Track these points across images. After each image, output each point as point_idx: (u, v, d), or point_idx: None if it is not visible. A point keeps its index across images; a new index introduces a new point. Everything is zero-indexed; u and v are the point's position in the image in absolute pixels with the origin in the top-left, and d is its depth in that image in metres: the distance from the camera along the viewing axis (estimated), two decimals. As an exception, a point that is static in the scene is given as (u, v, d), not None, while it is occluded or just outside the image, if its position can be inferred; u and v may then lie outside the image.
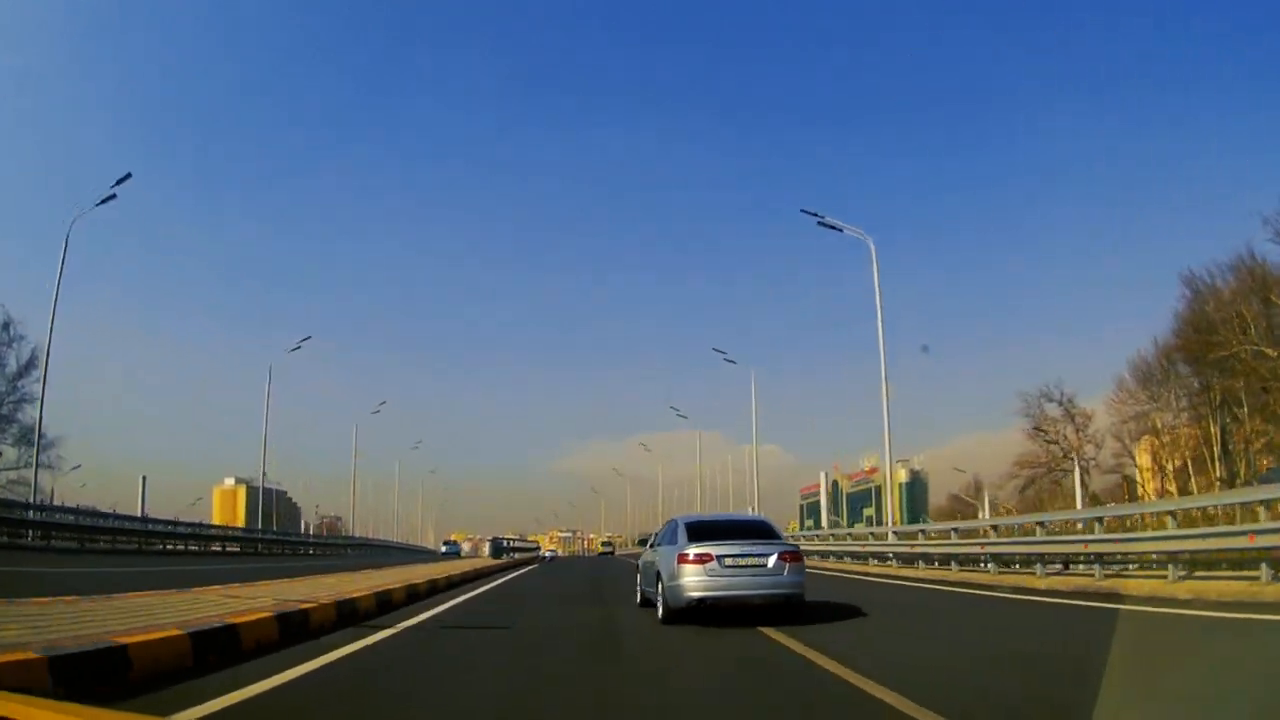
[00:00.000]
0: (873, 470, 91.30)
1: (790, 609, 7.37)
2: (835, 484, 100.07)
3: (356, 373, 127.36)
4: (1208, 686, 4.08)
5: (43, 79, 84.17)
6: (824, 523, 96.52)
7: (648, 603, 8.66)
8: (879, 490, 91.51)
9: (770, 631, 6.53)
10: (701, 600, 7.17)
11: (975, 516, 36.48)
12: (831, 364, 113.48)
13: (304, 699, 4.07)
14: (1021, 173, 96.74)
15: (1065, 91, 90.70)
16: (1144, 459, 37.68)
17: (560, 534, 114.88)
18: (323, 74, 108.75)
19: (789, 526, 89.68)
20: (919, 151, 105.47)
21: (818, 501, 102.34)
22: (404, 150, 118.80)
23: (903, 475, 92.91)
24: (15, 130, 76.44)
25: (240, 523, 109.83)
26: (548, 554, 48.49)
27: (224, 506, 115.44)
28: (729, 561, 7.23)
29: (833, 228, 22.88)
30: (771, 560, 7.27)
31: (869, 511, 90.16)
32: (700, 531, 7.75)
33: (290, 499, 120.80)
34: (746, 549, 7.35)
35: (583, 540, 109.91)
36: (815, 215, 22.88)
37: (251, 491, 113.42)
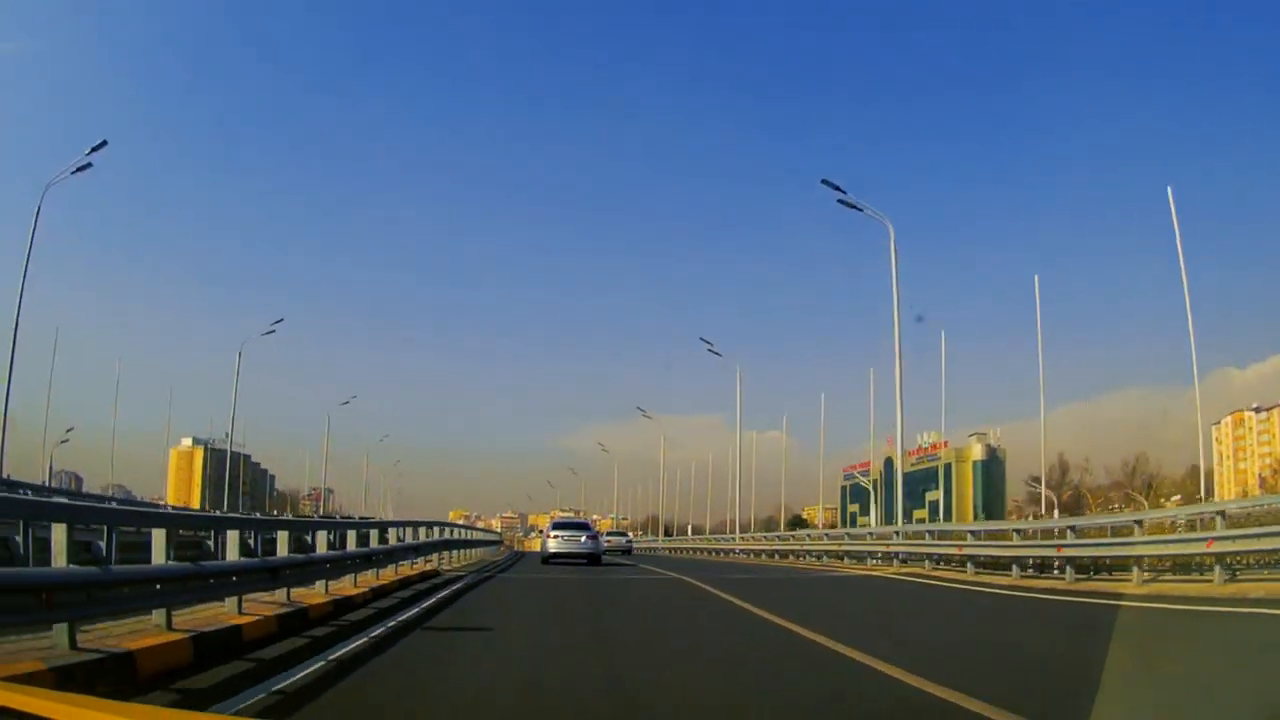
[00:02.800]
0: (937, 446, 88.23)
1: (592, 559, 23.28)
2: (888, 462, 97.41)
3: (358, 348, 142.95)
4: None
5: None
6: (873, 511, 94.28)
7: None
8: (948, 470, 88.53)
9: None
10: (555, 554, 23.13)
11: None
12: (847, 346, 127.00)
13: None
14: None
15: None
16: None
17: (563, 513, 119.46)
18: (323, 29, 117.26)
19: (805, 512, 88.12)
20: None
21: (866, 482, 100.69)
22: (414, 119, 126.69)
23: (977, 452, 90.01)
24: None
25: (196, 491, 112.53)
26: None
27: (180, 472, 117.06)
28: (564, 538, 23.43)
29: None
30: (583, 538, 23.55)
31: (933, 495, 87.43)
32: (557, 525, 25.26)
33: (262, 468, 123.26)
34: (572, 533, 24.08)
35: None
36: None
37: (212, 455, 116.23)
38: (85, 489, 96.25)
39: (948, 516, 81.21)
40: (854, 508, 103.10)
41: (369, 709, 4.87)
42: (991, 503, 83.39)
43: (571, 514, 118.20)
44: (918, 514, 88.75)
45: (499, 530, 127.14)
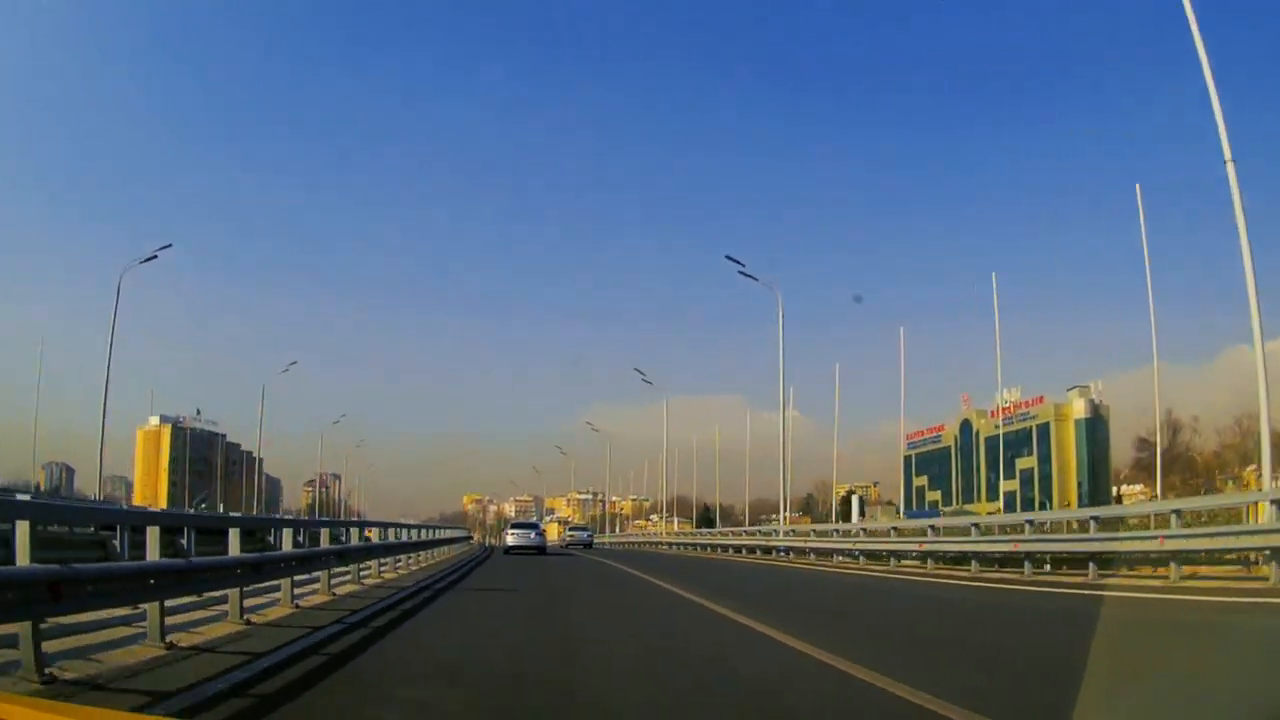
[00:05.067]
0: (1030, 403, 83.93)
1: (539, 549, 38.28)
2: (966, 425, 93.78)
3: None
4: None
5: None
6: (953, 485, 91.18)
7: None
8: (1044, 432, 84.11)
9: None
10: (512, 546, 38.59)
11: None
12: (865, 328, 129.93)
13: None
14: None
15: None
16: None
17: (580, 496, 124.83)
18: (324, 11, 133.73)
19: (836, 492, 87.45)
20: None
21: (937, 451, 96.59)
22: (417, 103, 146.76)
23: (1079, 409, 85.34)
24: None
25: (164, 474, 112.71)
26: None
27: (147, 454, 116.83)
28: (519, 534, 39.99)
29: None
30: (532, 535, 40.15)
31: (1026, 463, 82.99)
32: (514, 525, 44.96)
33: (241, 448, 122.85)
34: (524, 531, 40.55)
35: (602, 505, 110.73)
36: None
37: (179, 434, 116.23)
38: (75, 482, 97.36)
39: (1045, 488, 77.49)
40: (920, 481, 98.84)
41: None
42: (1096, 470, 79.33)
43: (588, 495, 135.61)
44: (1006, 485, 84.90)
45: (513, 514, 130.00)
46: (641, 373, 65.87)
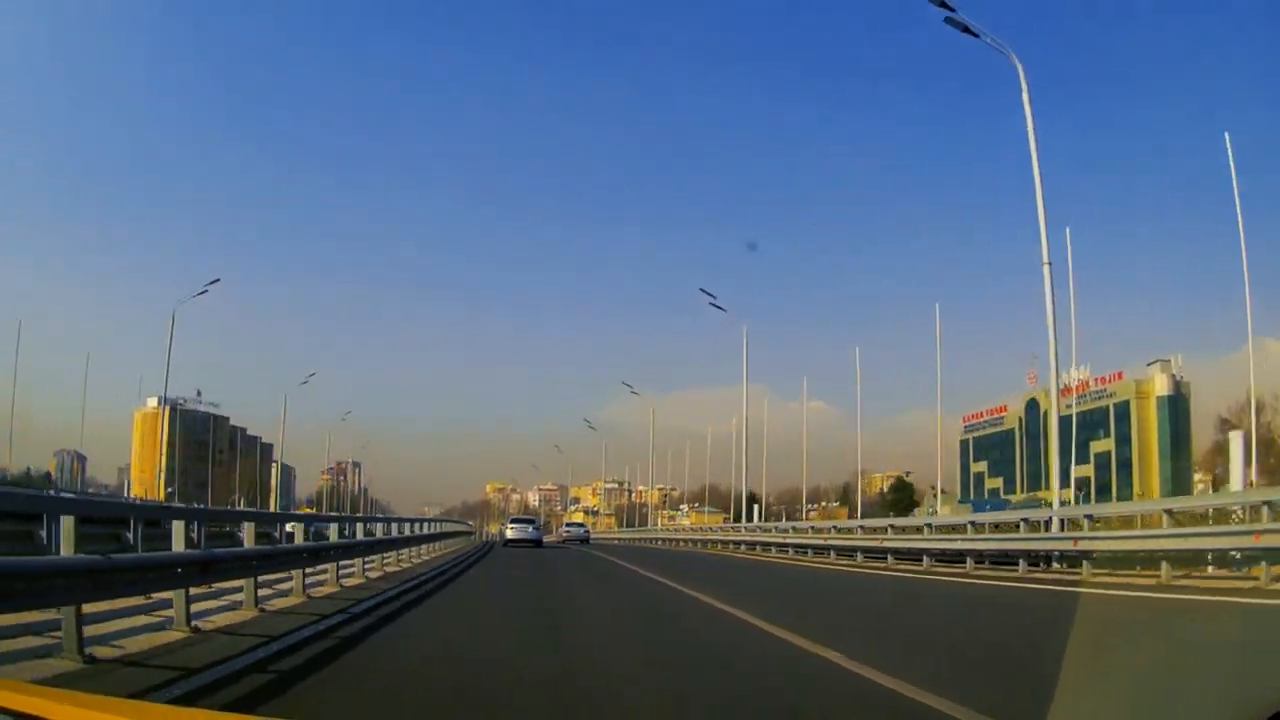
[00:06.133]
0: (1112, 378, 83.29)
1: (536, 543, 45.20)
2: (1032, 404, 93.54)
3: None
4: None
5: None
6: (1017, 471, 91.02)
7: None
8: (1122, 411, 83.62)
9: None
10: (510, 539, 45.95)
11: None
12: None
13: None
14: None
15: None
16: None
17: (606, 485, 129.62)
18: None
19: (868, 484, 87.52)
20: None
21: (998, 434, 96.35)
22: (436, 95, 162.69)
23: (1161, 385, 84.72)
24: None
25: (163, 459, 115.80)
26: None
27: (145, 439, 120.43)
28: (518, 529, 47.59)
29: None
30: (530, 529, 47.70)
31: (1102, 446, 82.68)
32: (513, 521, 53.08)
33: (248, 433, 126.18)
34: (523, 525, 49.21)
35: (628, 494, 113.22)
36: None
37: (180, 417, 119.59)
38: (87, 470, 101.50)
39: (1124, 472, 77.38)
40: (979, 467, 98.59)
41: None
42: (1178, 452, 78.89)
43: (615, 483, 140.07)
44: (1078, 471, 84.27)
45: (534, 506, 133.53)
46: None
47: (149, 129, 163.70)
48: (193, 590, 8.08)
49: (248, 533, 9.33)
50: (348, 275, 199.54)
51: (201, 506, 48.56)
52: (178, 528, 7.81)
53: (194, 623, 7.97)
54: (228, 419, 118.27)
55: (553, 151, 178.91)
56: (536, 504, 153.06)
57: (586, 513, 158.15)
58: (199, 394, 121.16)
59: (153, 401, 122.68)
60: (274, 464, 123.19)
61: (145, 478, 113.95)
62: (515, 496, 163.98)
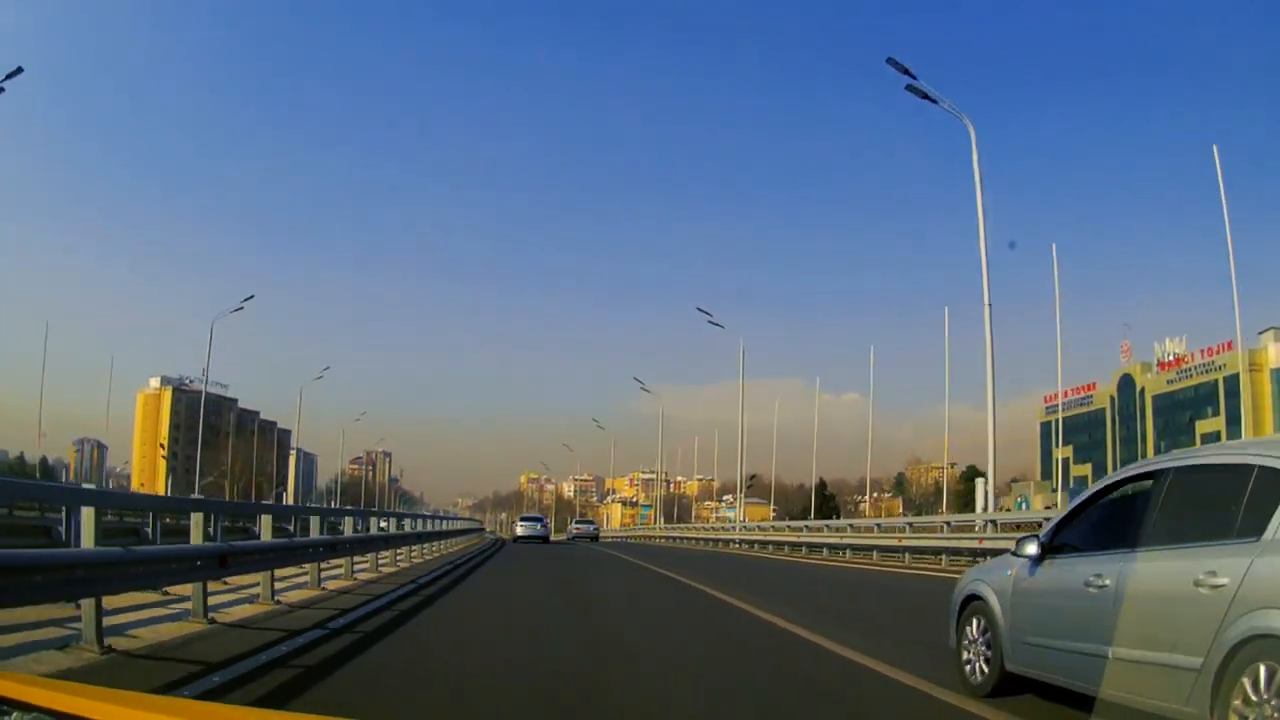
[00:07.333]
0: (1221, 348, 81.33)
1: (544, 540, 53.74)
2: (1126, 380, 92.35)
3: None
4: None
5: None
6: (1109, 456, 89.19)
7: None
8: (1231, 385, 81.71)
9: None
10: (521, 536, 54.79)
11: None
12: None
13: None
14: None
15: None
16: None
17: (644, 476, 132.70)
18: None
19: (909, 474, 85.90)
20: None
21: (1086, 415, 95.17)
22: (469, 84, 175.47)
23: (1275, 355, 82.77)
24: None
25: (165, 439, 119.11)
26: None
27: (147, 420, 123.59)
28: (526, 526, 56.92)
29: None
30: (538, 526, 56.84)
31: (1209, 426, 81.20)
32: (523, 519, 62.46)
33: (261, 416, 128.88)
34: (532, 522, 58.25)
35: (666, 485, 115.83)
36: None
37: (181, 397, 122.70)
38: (107, 459, 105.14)
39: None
40: (1062, 452, 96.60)
41: None
42: (1290, 431, 77.37)
43: (650, 474, 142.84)
44: (1179, 451, 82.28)
45: (569, 497, 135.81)
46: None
47: (165, 114, 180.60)
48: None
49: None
50: (377, 271, 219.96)
51: (215, 499, 50.77)
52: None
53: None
54: (235, 400, 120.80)
55: (597, 140, 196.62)
56: (571, 495, 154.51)
57: (624, 504, 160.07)
58: (204, 373, 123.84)
59: (154, 382, 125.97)
60: (291, 452, 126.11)
61: (146, 465, 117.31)
62: (550, 487, 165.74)
